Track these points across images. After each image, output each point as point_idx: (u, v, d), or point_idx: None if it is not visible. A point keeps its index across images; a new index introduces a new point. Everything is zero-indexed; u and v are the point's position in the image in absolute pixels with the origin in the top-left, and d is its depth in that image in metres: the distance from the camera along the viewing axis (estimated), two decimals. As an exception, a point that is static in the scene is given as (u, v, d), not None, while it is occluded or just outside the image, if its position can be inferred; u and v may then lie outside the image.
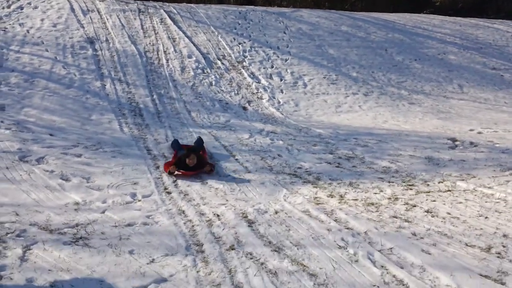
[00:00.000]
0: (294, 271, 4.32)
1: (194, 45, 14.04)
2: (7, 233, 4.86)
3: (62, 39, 12.91)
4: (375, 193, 6.54)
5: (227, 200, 6.19)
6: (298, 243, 4.90)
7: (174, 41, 14.11)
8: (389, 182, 7.06)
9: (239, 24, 16.25)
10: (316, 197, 6.35)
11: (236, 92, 12.33)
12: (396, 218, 5.62)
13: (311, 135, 10.07)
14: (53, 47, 12.37)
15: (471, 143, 9.65)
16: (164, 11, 16.22)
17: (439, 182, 7.02)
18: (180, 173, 6.99)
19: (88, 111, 9.85)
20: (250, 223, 5.41)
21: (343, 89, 13.85)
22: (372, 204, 6.10)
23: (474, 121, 12.00)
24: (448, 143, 9.66)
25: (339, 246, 4.84)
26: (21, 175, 6.51)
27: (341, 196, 6.42)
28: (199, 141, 8.34)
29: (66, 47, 12.51)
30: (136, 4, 16.56)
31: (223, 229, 5.22)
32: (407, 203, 6.10)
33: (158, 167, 7.37)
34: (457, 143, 9.71)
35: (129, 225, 5.30)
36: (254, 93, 12.49)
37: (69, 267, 4.25)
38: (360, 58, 16.19)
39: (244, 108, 11.63)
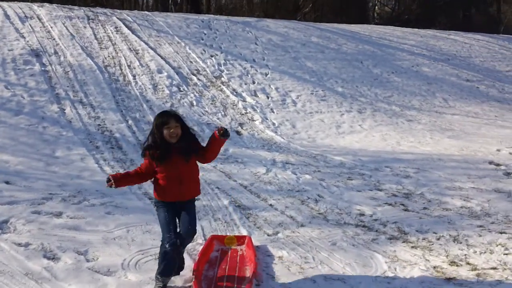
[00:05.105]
0: None
1: (162, 58, 11.74)
2: None
3: (-1, 51, 10.17)
4: (506, 254, 4.72)
5: (314, 282, 4.11)
6: None
7: (137, 53, 11.73)
8: (500, 233, 5.28)
9: (205, 34, 14.13)
10: (435, 267, 4.43)
11: (223, 113, 10.21)
12: None
13: (333, 164, 8.25)
14: (-13, 62, 9.64)
15: (518, 167, 8.38)
16: (118, 18, 13.72)
17: (557, 228, 5.36)
18: None
19: (50, 145, 7.36)
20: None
21: (335, 106, 12.20)
22: (525, 275, 4.26)
23: (489, 139, 10.85)
24: (497, 168, 8.32)
25: None
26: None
27: (467, 263, 4.54)
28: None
29: (5, 62, 9.78)
30: (82, 11, 13.89)
31: None
32: None
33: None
34: (503, 167, 8.37)
35: None
36: (243, 114, 10.44)
37: None
38: (340, 71, 14.69)
39: (238, 133, 9.55)
